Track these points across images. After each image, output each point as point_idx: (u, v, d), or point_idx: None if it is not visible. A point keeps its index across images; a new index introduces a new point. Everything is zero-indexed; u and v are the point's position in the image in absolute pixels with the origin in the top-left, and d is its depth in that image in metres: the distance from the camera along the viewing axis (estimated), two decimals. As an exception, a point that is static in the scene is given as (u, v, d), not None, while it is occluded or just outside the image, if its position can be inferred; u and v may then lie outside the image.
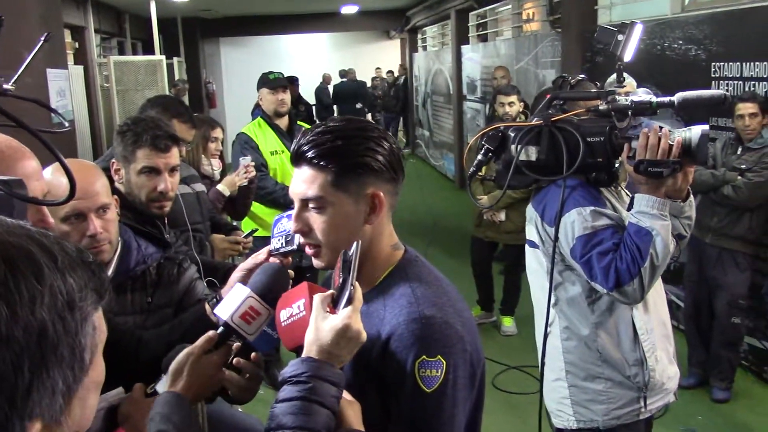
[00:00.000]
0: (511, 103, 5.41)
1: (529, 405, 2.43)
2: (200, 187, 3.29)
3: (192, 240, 2.84)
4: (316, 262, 1.47)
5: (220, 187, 3.81)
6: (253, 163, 3.96)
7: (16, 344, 0.68)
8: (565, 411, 2.39)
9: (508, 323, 5.74)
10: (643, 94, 2.18)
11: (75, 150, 7.20)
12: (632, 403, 2.31)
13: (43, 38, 1.55)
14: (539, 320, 2.47)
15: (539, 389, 2.44)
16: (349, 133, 1.40)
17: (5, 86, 1.24)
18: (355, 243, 1.33)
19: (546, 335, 2.35)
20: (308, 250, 1.46)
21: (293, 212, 1.44)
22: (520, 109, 5.51)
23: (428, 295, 1.39)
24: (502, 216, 5.50)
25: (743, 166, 4.27)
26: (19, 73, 1.43)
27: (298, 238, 1.57)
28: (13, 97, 1.28)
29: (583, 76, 2.58)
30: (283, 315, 1.41)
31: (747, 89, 4.55)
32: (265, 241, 1.78)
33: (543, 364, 2.36)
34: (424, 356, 1.32)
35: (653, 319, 2.34)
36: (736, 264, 4.42)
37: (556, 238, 2.24)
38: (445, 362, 1.33)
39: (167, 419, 1.36)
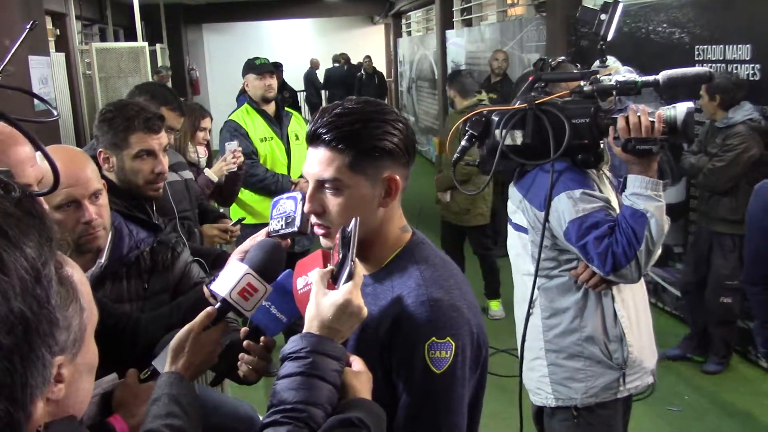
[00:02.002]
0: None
1: (516, 387, 2.45)
2: (188, 174, 3.28)
3: (180, 227, 2.83)
4: (324, 242, 1.47)
5: (207, 173, 3.80)
6: (240, 149, 3.94)
7: (5, 350, 0.68)
8: (544, 389, 2.42)
9: (495, 307, 5.78)
10: (627, 74, 2.18)
11: (58, 138, 7.14)
12: (611, 382, 2.34)
13: (28, 26, 1.53)
14: (520, 302, 2.49)
15: (519, 370, 2.46)
16: (368, 116, 1.39)
17: (-11, 75, 1.23)
18: (353, 219, 1.33)
19: (528, 315, 2.37)
20: (318, 230, 1.46)
21: (308, 192, 1.44)
22: (452, 97, 5.64)
23: (436, 277, 1.41)
24: (447, 197, 5.64)
25: (714, 150, 4.35)
26: (5, 62, 1.42)
27: (299, 221, 1.58)
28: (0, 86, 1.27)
29: (563, 57, 2.58)
30: (300, 283, 1.44)
31: (730, 72, 4.59)
32: (254, 229, 1.78)
33: (524, 344, 2.39)
34: (434, 338, 1.34)
35: (631, 297, 2.36)
36: (721, 246, 4.48)
37: (545, 223, 2.25)
38: (454, 344, 1.35)
39: (175, 401, 1.36)
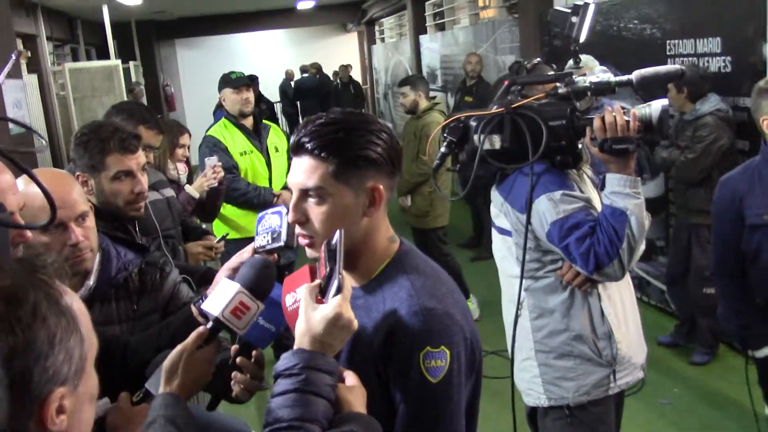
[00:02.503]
0: (403, 94, 5.67)
1: (508, 389, 2.46)
2: (170, 192, 3.27)
3: (165, 245, 2.82)
4: (309, 252, 1.47)
5: (189, 189, 3.78)
6: (220, 164, 3.93)
7: None
8: (536, 390, 2.43)
9: (469, 306, 5.78)
10: (601, 74, 2.21)
11: (35, 161, 7.07)
12: (602, 379, 2.35)
13: (14, 55, 1.53)
14: (507, 305, 2.50)
15: (510, 372, 2.47)
16: (351, 125, 1.40)
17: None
18: (337, 232, 1.33)
19: (517, 317, 2.38)
20: (302, 241, 1.46)
21: (291, 202, 1.44)
22: (415, 99, 5.64)
23: (427, 286, 1.41)
24: (408, 201, 5.70)
25: (685, 143, 4.42)
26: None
27: (285, 235, 1.57)
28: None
29: (538, 59, 2.60)
30: (288, 300, 1.43)
31: (702, 65, 4.65)
32: (238, 244, 1.78)
33: (514, 346, 2.40)
34: (429, 347, 1.34)
35: (617, 293, 2.38)
36: (698, 237, 4.53)
37: (527, 225, 2.27)
38: (449, 352, 1.35)
39: (171, 422, 1.35)
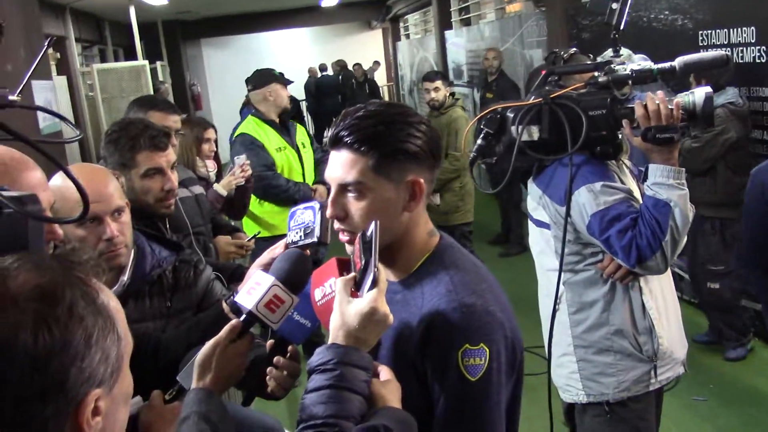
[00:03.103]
0: (436, 89, 5.55)
1: (540, 385, 2.42)
2: (199, 189, 3.27)
3: (196, 243, 2.82)
4: (349, 249, 1.43)
5: (217, 187, 3.78)
6: (248, 162, 3.93)
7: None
8: (574, 386, 2.38)
9: None
10: (642, 62, 2.15)
11: (65, 162, 7.14)
12: (642, 375, 2.30)
13: (46, 43, 1.52)
14: (545, 299, 2.46)
15: (547, 367, 2.43)
16: (391, 118, 1.37)
17: (10, 97, 1.22)
18: (372, 223, 1.30)
19: (555, 312, 2.33)
20: (342, 237, 1.43)
21: (330, 196, 1.41)
22: (447, 94, 5.60)
23: (467, 282, 1.37)
24: (437, 199, 5.49)
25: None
26: (23, 83, 1.41)
27: (318, 231, 1.55)
28: (20, 107, 1.26)
29: (575, 49, 2.56)
30: (317, 294, 1.40)
31: (735, 56, 4.55)
32: (269, 242, 1.76)
33: (551, 341, 2.35)
34: (467, 345, 1.30)
35: (659, 287, 2.33)
36: (702, 229, 4.47)
37: (567, 217, 2.22)
38: (488, 350, 1.31)
39: (205, 418, 1.33)
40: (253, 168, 4.14)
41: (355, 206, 1.38)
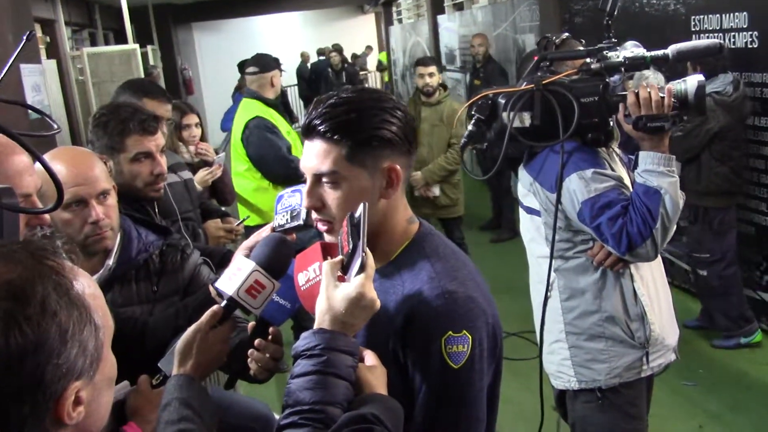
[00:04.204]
0: (431, 74, 5.45)
1: (531, 370, 2.43)
2: (187, 174, 3.24)
3: (184, 228, 2.80)
4: (328, 238, 1.43)
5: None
6: (222, 164, 3.86)
7: None
8: (566, 372, 2.39)
9: None
10: (634, 49, 2.14)
11: (55, 146, 7.09)
12: (634, 361, 2.31)
13: (25, 37, 1.50)
14: (536, 285, 2.46)
15: (539, 353, 2.43)
16: (363, 105, 1.35)
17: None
18: (361, 205, 1.28)
19: (546, 299, 2.33)
20: (320, 226, 1.42)
21: (305, 187, 1.39)
22: (440, 81, 5.53)
23: (448, 269, 1.36)
24: (437, 191, 5.41)
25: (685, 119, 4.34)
26: (2, 74, 1.39)
27: (304, 213, 1.54)
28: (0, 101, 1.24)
29: (567, 34, 2.54)
30: (301, 279, 1.39)
31: (727, 41, 4.54)
32: (257, 229, 1.75)
33: (543, 327, 2.35)
34: (450, 332, 1.29)
35: (650, 274, 2.33)
36: (687, 217, 4.47)
37: (558, 204, 2.22)
38: (471, 337, 1.30)
39: (186, 404, 1.33)
40: (277, 151, 4.11)
41: (332, 196, 1.36)
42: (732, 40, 4.53)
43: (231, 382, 1.60)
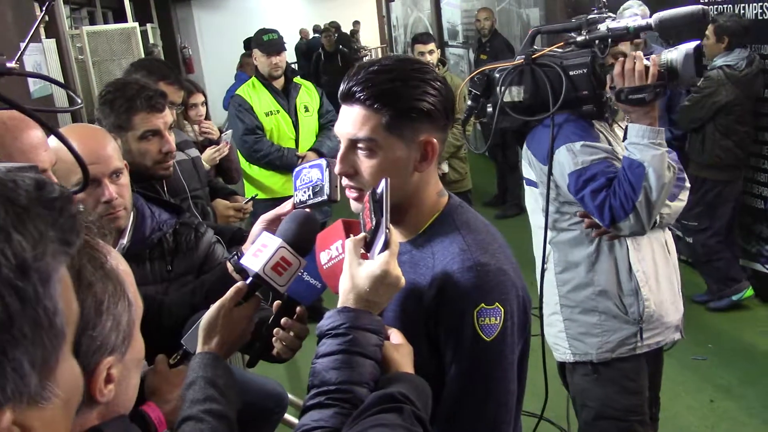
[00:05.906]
0: (430, 51, 5.36)
1: (538, 346, 2.41)
2: (195, 152, 3.21)
3: (193, 207, 2.78)
4: (355, 206, 1.40)
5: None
6: (229, 142, 3.86)
7: None
8: (562, 344, 2.41)
9: None
10: (627, 18, 2.08)
11: (57, 125, 7.04)
12: (628, 337, 2.31)
13: (44, 8, 1.48)
14: (538, 258, 2.45)
15: (540, 328, 2.42)
16: (406, 75, 1.32)
17: (9, 64, 1.17)
18: (383, 181, 1.26)
19: (543, 271, 2.34)
20: (349, 193, 1.40)
21: (339, 152, 1.37)
22: (439, 57, 5.46)
23: (479, 241, 1.34)
24: (445, 167, 5.32)
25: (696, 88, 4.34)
26: (22, 50, 1.36)
27: (328, 188, 1.51)
28: (18, 74, 1.21)
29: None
30: (323, 258, 1.37)
31: (736, 11, 4.47)
32: (267, 204, 1.73)
33: (542, 299, 2.36)
34: (483, 304, 1.28)
35: (650, 250, 2.31)
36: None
37: (549, 176, 2.22)
38: (503, 309, 1.29)
39: (212, 383, 1.31)
40: (239, 131, 4.14)
41: (366, 164, 1.34)
42: (742, 11, 4.46)
43: (253, 361, 1.58)
